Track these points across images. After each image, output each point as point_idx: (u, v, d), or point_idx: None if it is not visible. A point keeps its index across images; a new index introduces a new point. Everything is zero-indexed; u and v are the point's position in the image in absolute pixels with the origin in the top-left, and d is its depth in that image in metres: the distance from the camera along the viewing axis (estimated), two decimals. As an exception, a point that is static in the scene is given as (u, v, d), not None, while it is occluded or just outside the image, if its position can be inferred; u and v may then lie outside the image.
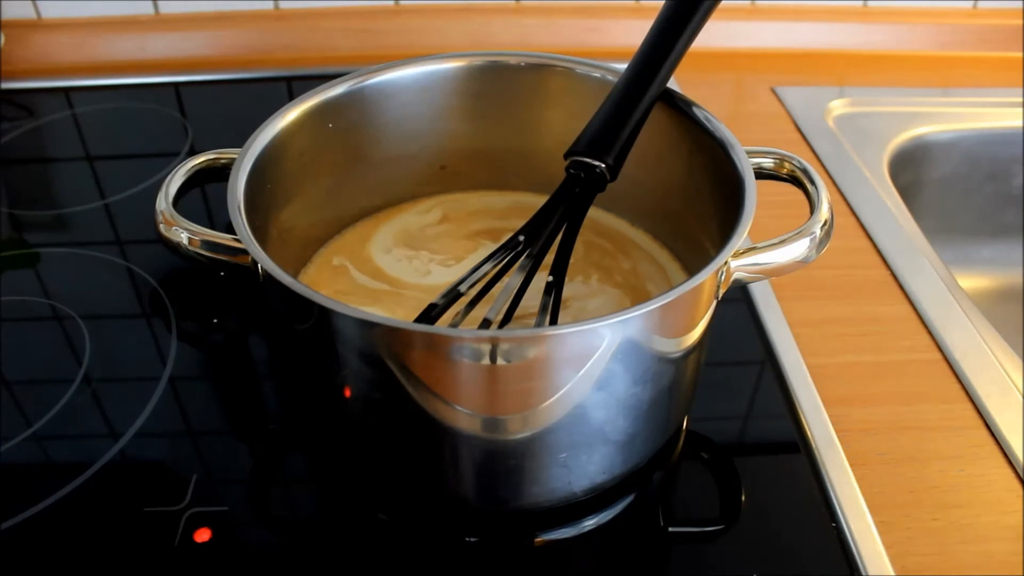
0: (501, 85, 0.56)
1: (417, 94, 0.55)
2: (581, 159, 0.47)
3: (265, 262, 0.39)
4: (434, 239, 0.57)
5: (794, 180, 0.48)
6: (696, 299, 0.41)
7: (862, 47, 0.94)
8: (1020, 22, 0.93)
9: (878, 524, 0.46)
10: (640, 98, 0.47)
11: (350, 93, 0.52)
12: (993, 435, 0.52)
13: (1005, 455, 0.51)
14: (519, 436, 0.41)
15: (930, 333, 0.59)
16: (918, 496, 0.48)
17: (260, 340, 0.58)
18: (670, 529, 0.47)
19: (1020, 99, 0.85)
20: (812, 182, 0.46)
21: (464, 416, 0.40)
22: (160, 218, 0.45)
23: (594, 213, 0.58)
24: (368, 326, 0.38)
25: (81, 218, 0.68)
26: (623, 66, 0.50)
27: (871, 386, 0.55)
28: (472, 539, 0.45)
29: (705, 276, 0.39)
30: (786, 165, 0.48)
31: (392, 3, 0.91)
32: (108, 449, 0.49)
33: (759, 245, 0.44)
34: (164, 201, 0.46)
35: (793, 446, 0.50)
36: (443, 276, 0.53)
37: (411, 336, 0.38)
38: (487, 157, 0.59)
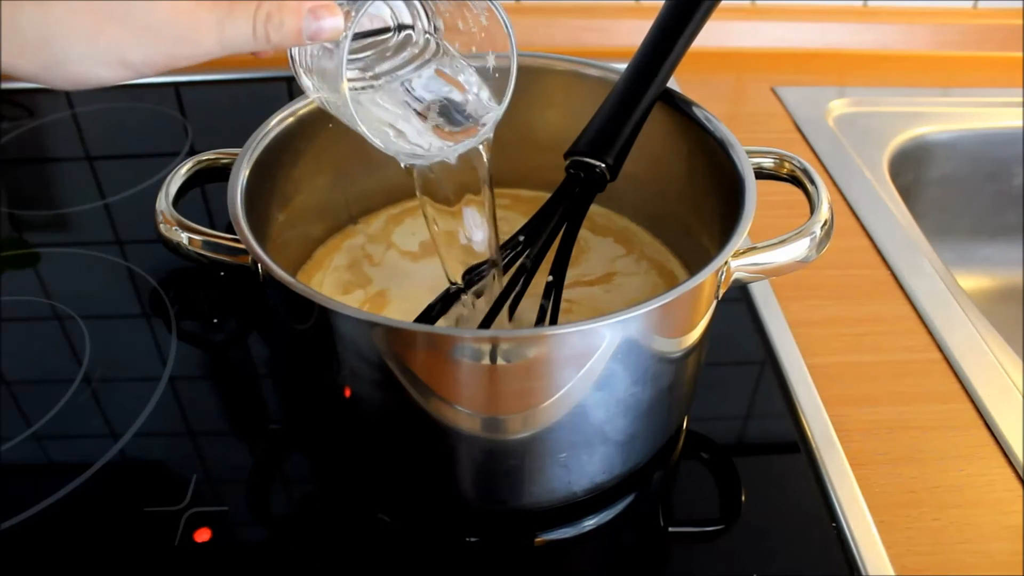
0: (501, 84, 0.56)
1: (417, 94, 0.55)
2: (581, 159, 0.47)
3: (265, 262, 0.39)
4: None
5: (794, 180, 0.48)
6: (696, 299, 0.42)
7: (862, 47, 0.94)
8: (1020, 22, 0.93)
9: (878, 524, 0.46)
10: (640, 98, 0.47)
11: (350, 93, 0.52)
12: (993, 435, 0.52)
13: (1005, 455, 0.51)
14: (519, 436, 0.41)
15: (930, 333, 0.59)
16: (918, 496, 0.48)
17: (260, 340, 0.58)
18: (670, 529, 0.47)
19: (1020, 99, 0.85)
20: (812, 182, 0.46)
21: (464, 416, 0.40)
22: (160, 218, 0.45)
23: (595, 210, 0.58)
24: (368, 326, 0.38)
25: (81, 218, 0.68)
26: (623, 66, 0.50)
27: (871, 386, 0.55)
28: (472, 539, 0.45)
29: (705, 276, 0.39)
30: (786, 165, 0.48)
31: (392, 3, 0.91)
32: (108, 449, 0.49)
33: (759, 245, 0.44)
34: (164, 201, 0.46)
35: (793, 446, 0.50)
36: (443, 275, 0.53)
37: (411, 336, 0.38)
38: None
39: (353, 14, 0.37)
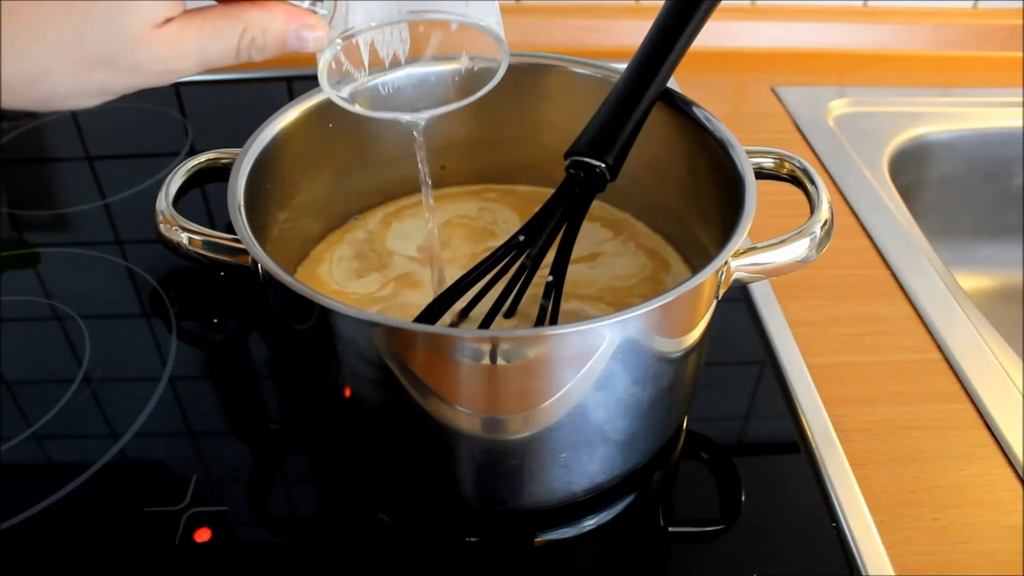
0: (501, 85, 0.55)
1: (417, 94, 0.55)
2: (581, 159, 0.47)
3: (265, 262, 0.39)
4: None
5: (794, 180, 0.48)
6: (696, 299, 0.42)
7: (862, 47, 0.94)
8: (1020, 22, 0.93)
9: (878, 524, 0.46)
10: (640, 98, 0.47)
11: (350, 93, 0.52)
12: (993, 435, 0.52)
13: (1005, 455, 0.51)
14: (519, 436, 0.41)
15: (930, 333, 0.59)
16: (918, 496, 0.48)
17: (260, 340, 0.58)
18: (670, 529, 0.47)
19: (1020, 99, 0.85)
20: (812, 182, 0.46)
21: (464, 416, 0.40)
22: (160, 218, 0.45)
23: (594, 205, 0.58)
24: (368, 326, 0.38)
25: (81, 218, 0.68)
26: (623, 66, 0.50)
27: (871, 386, 0.55)
28: (472, 539, 0.45)
29: (705, 276, 0.39)
30: (786, 165, 0.48)
31: (392, 3, 0.91)
32: (108, 449, 0.49)
33: (759, 245, 0.44)
34: (164, 201, 0.46)
35: (793, 446, 0.50)
36: (444, 273, 0.53)
37: (411, 336, 0.38)
38: (487, 157, 0.59)
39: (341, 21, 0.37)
